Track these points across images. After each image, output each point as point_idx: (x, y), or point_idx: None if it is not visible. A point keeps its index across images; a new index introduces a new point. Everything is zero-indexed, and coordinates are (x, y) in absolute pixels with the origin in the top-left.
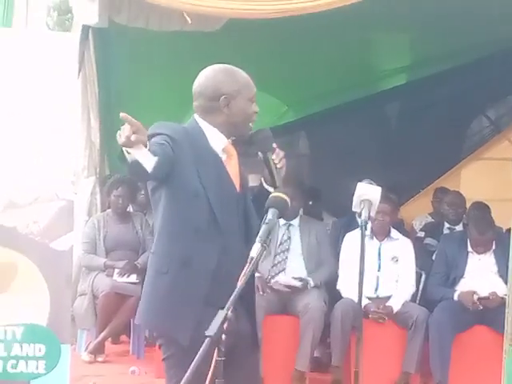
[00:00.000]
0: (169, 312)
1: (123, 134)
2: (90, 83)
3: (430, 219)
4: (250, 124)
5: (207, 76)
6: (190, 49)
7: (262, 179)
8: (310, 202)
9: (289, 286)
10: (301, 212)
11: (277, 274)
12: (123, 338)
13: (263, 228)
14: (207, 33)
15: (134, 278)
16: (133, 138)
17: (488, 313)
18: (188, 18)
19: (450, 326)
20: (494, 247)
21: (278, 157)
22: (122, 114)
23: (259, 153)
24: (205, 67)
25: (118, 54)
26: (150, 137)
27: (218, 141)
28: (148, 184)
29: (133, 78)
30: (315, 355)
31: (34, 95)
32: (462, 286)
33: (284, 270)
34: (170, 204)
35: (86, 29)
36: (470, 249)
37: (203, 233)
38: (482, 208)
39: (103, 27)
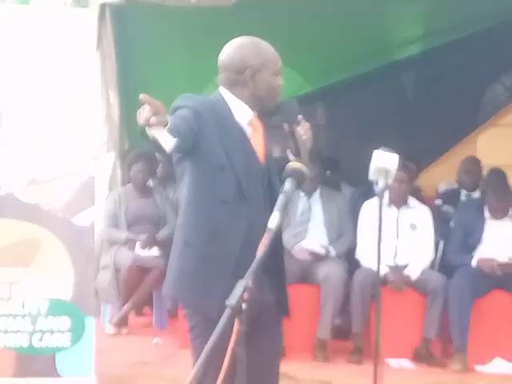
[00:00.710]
0: (196, 284)
1: (143, 115)
2: (108, 59)
3: (455, 185)
4: (276, 96)
5: (233, 49)
6: (206, 23)
7: (288, 151)
8: (328, 172)
9: (312, 253)
10: (320, 182)
11: (298, 243)
12: (146, 310)
13: (280, 198)
14: (223, 7)
15: (155, 250)
16: (152, 120)
17: (506, 277)
18: None
19: (469, 292)
20: (511, 213)
21: (303, 128)
22: (141, 96)
23: (285, 124)
24: (221, 41)
25: (136, 30)
26: (175, 109)
27: (243, 113)
28: (172, 156)
29: (150, 53)
30: (336, 323)
31: (53, 72)
32: (481, 252)
33: (305, 239)
34: (196, 176)
35: (103, 6)
36: (487, 215)
37: (230, 205)
38: (498, 174)
39: (120, 3)
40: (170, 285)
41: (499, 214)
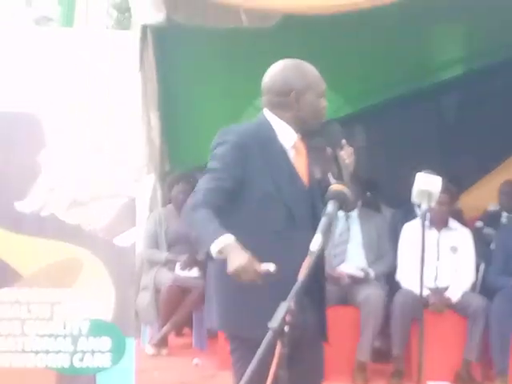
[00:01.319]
0: (259, 317)
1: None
2: (149, 82)
3: (496, 208)
4: (320, 118)
5: (277, 71)
6: (247, 45)
7: (330, 174)
8: (368, 194)
9: (350, 277)
10: (359, 204)
11: (337, 265)
12: (186, 330)
13: (323, 220)
14: (264, 29)
15: (195, 271)
16: None
17: None
18: (243, 17)
19: (510, 315)
20: None
21: (347, 152)
22: None
23: (328, 148)
24: (262, 64)
25: (177, 52)
26: (215, 146)
27: (287, 136)
28: None
29: (191, 76)
30: (376, 346)
31: (96, 94)
32: None
33: (343, 260)
34: (245, 205)
35: (144, 28)
36: None
37: (282, 233)
38: None
39: (161, 25)
40: (220, 317)
41: None
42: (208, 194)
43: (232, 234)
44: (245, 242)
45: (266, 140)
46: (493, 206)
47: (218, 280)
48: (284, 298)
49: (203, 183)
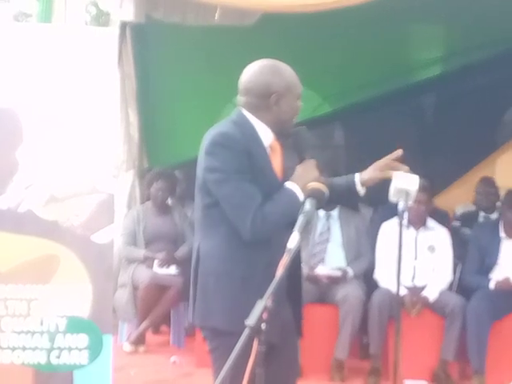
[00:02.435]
0: (234, 310)
1: None
2: (128, 78)
3: (472, 207)
4: (295, 119)
5: (256, 73)
6: (226, 43)
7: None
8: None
9: (328, 277)
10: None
11: (316, 264)
12: (163, 328)
13: (300, 218)
14: (242, 27)
15: (173, 269)
16: None
17: None
18: (222, 15)
19: (488, 315)
20: None
21: (307, 165)
22: None
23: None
24: (241, 61)
25: (156, 49)
26: (211, 151)
27: (266, 136)
28: (202, 200)
29: (170, 73)
30: (364, 342)
31: (73, 90)
32: (497, 273)
33: (323, 259)
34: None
35: (123, 24)
36: (502, 234)
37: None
38: None
39: (140, 23)
40: (213, 317)
41: None
42: (253, 205)
43: (224, 229)
44: (230, 239)
45: (253, 140)
46: (461, 208)
47: (203, 276)
48: (263, 295)
49: (239, 203)
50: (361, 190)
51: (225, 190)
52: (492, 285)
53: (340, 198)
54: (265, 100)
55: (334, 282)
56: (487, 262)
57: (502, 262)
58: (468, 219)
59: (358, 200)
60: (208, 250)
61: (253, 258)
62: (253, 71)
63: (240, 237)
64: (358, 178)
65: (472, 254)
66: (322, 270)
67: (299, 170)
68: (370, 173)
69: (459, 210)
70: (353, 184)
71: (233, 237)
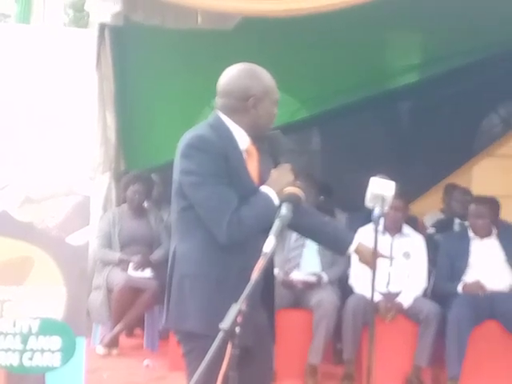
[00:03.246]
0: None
1: None
2: (106, 80)
3: (440, 215)
4: (271, 125)
5: (235, 75)
6: (205, 47)
7: None
8: (322, 198)
9: (303, 283)
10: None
11: (291, 269)
12: (137, 331)
13: (276, 222)
14: (222, 31)
15: (148, 272)
16: None
17: (499, 307)
18: (201, 18)
19: (468, 321)
20: (495, 231)
21: (282, 170)
22: None
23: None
24: (219, 65)
25: (134, 51)
26: (189, 154)
27: (242, 140)
28: (177, 203)
29: (148, 76)
30: (338, 348)
31: (51, 92)
32: (469, 276)
33: (299, 264)
34: None
35: (102, 27)
36: (471, 234)
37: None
38: (480, 200)
39: (119, 25)
40: (187, 320)
41: (482, 230)
42: (229, 209)
43: (199, 233)
44: (206, 242)
45: (229, 144)
46: (430, 216)
47: (178, 279)
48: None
49: (214, 206)
50: (350, 251)
51: (201, 194)
52: (460, 288)
53: (320, 239)
54: (243, 103)
55: (309, 287)
56: (458, 266)
57: (473, 262)
58: (443, 226)
59: (333, 205)
60: (184, 253)
61: (228, 262)
62: (232, 74)
63: (215, 240)
64: (356, 244)
65: (442, 260)
66: (296, 276)
67: (274, 174)
68: (366, 253)
69: (428, 218)
70: (348, 243)
71: (208, 240)
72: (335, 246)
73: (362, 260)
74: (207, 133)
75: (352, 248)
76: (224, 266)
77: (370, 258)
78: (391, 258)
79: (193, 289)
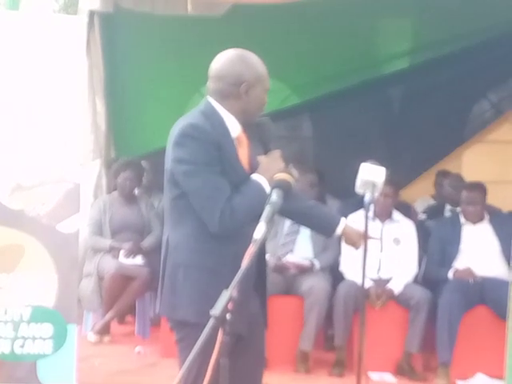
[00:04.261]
0: (204, 301)
1: None
2: (96, 67)
3: (431, 201)
4: (261, 112)
5: (227, 61)
6: (195, 33)
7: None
8: (312, 184)
9: (297, 266)
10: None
11: (284, 255)
12: (128, 318)
13: (267, 209)
14: (212, 17)
15: (139, 259)
16: None
17: (490, 293)
18: (191, 5)
19: (459, 306)
20: (487, 217)
21: (271, 156)
22: None
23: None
24: (210, 52)
25: (124, 38)
26: (181, 142)
27: (233, 128)
28: (170, 192)
29: (138, 62)
30: (329, 334)
31: (40, 79)
32: (460, 261)
33: (292, 250)
34: None
35: (91, 13)
36: (462, 220)
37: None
38: (472, 186)
39: (109, 12)
40: (181, 309)
41: (474, 216)
42: (222, 198)
43: (192, 221)
44: (199, 231)
45: (222, 132)
46: (421, 202)
47: (172, 268)
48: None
49: (207, 194)
50: (337, 232)
51: (193, 182)
52: (451, 274)
53: (308, 222)
54: (235, 88)
55: (302, 271)
56: (449, 251)
57: (464, 248)
58: (434, 212)
59: (324, 192)
60: (177, 242)
61: (221, 250)
62: (225, 59)
63: (208, 229)
64: (343, 225)
65: (434, 246)
66: (291, 258)
67: (264, 161)
68: (352, 234)
69: (418, 203)
70: (334, 225)
71: (201, 229)
72: (322, 229)
73: (349, 241)
74: (200, 121)
75: (339, 230)
76: (217, 254)
77: (357, 239)
78: (380, 239)
79: (186, 277)
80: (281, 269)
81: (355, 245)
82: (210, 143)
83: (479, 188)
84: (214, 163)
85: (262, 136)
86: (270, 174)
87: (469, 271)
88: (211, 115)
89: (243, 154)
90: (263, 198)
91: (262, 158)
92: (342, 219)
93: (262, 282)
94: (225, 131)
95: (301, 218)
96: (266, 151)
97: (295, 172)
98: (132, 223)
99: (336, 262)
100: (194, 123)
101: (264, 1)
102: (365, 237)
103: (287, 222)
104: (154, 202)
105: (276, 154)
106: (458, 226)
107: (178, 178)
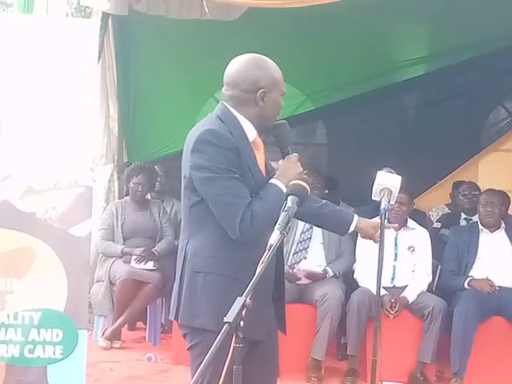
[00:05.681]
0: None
1: None
2: (109, 71)
3: (446, 210)
4: (277, 117)
5: (243, 66)
6: (209, 38)
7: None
8: (327, 191)
9: (309, 274)
10: None
11: (297, 262)
12: (139, 324)
13: (282, 215)
14: (227, 22)
15: (151, 264)
16: None
17: (505, 304)
18: (206, 9)
19: (474, 317)
20: (504, 226)
21: (289, 160)
22: None
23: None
24: (224, 56)
25: (138, 42)
26: (201, 149)
27: (249, 132)
28: (188, 199)
29: (152, 66)
30: (342, 343)
31: (54, 82)
32: (477, 269)
33: (305, 258)
34: None
35: (105, 16)
36: (480, 227)
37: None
38: (492, 190)
39: (123, 15)
40: (200, 316)
41: (492, 225)
42: (242, 204)
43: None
44: (219, 238)
45: (240, 137)
46: (436, 210)
47: (190, 275)
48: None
49: (227, 201)
50: (350, 229)
51: (213, 189)
52: (466, 284)
53: (321, 222)
54: (251, 95)
55: (314, 279)
56: (465, 260)
57: (481, 256)
58: (448, 221)
59: (338, 198)
60: (196, 249)
61: (240, 257)
62: (240, 65)
63: (227, 236)
64: (356, 221)
65: (450, 253)
66: (304, 266)
67: (282, 165)
68: (367, 227)
69: (433, 212)
70: (348, 222)
71: (220, 236)
72: (336, 227)
73: (365, 235)
74: (218, 126)
75: (352, 226)
76: (237, 261)
77: (373, 232)
78: (395, 227)
79: (205, 285)
80: (292, 278)
81: (372, 237)
82: (229, 149)
83: (499, 193)
84: (233, 169)
85: (279, 139)
86: (288, 178)
87: (486, 282)
88: (228, 120)
89: (260, 157)
90: (283, 202)
91: (279, 162)
92: (355, 215)
93: (280, 289)
94: (243, 136)
95: (314, 218)
96: (283, 155)
97: (308, 179)
98: (144, 228)
99: (349, 270)
100: (212, 129)
101: (279, 5)
102: (381, 245)
103: (299, 230)
104: (167, 207)
105: (293, 158)
106: (476, 234)
107: (197, 184)
